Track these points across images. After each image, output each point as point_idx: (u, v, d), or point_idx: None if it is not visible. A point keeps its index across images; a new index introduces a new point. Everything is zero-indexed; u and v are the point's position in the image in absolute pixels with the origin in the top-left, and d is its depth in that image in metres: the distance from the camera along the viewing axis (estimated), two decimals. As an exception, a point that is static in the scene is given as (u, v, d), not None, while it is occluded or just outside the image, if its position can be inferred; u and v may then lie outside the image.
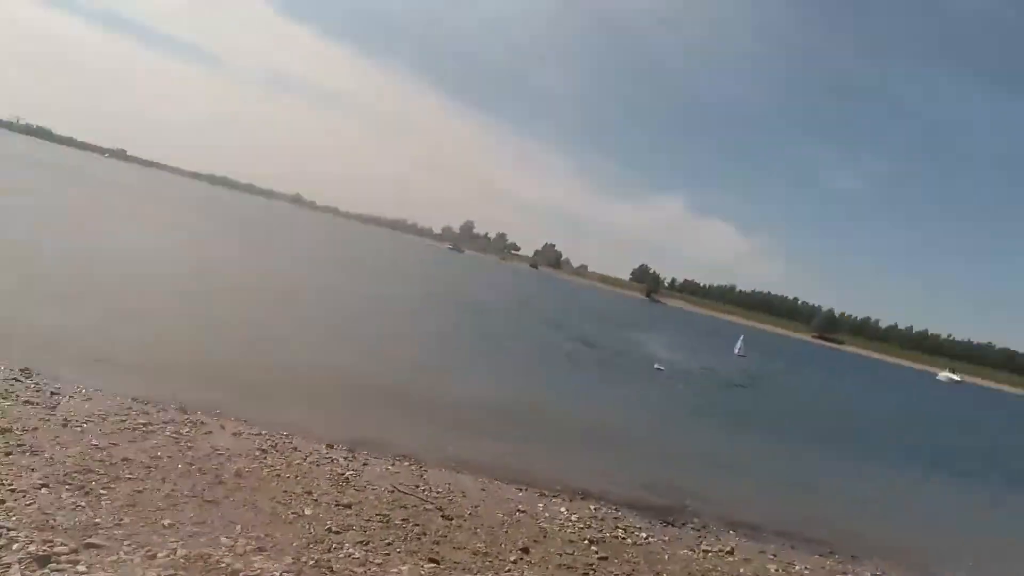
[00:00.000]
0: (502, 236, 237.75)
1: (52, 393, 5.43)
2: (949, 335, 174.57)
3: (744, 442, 11.70)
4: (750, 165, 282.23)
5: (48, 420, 4.79)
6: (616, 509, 6.08)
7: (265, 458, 5.25)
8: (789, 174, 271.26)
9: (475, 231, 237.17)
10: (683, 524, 6.14)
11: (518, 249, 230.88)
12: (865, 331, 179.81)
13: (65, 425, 4.78)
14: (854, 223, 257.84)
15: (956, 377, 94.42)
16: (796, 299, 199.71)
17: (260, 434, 5.82)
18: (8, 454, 4.05)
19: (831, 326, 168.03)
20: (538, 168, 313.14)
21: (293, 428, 6.30)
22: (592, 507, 5.96)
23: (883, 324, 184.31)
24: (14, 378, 5.56)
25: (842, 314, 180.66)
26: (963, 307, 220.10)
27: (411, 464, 6.06)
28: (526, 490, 6.09)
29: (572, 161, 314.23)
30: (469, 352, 14.39)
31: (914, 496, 10.71)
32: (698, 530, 6.06)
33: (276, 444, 5.67)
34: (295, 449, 5.67)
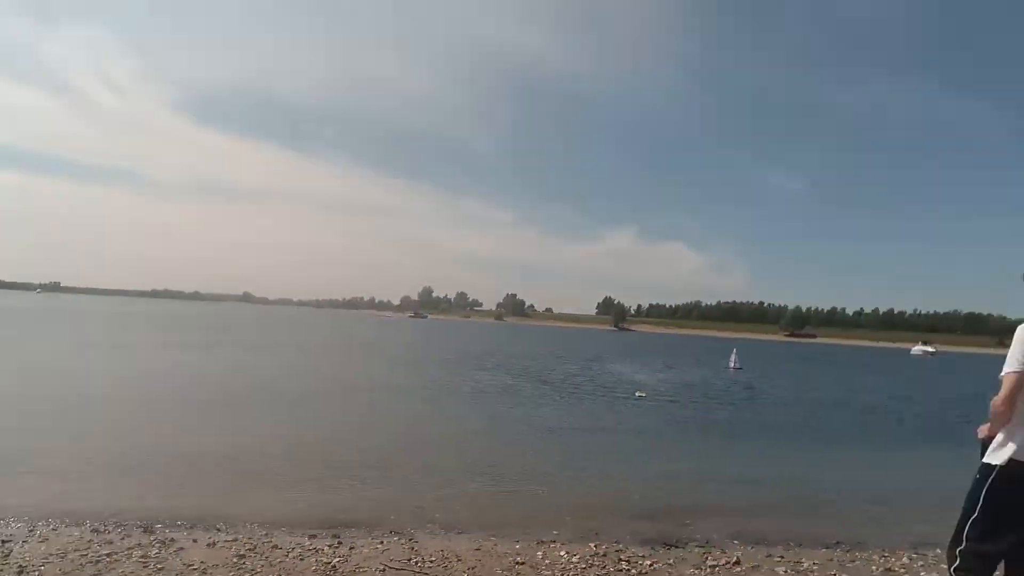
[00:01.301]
0: (462, 295, 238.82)
1: (3, 541, 5.12)
2: (915, 310, 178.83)
3: (732, 451, 11.68)
4: (687, 184, 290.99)
5: (2, 571, 4.50)
6: (617, 543, 5.92)
7: (244, 563, 4.98)
8: (728, 185, 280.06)
9: (434, 295, 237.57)
10: (686, 544, 6.01)
11: (480, 305, 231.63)
12: (834, 321, 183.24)
13: (21, 574, 4.49)
14: (799, 221, 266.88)
15: (930, 349, 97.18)
16: (762, 303, 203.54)
17: (236, 539, 5.54)
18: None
19: (800, 322, 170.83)
20: (487, 225, 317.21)
21: (271, 524, 6.05)
22: (593, 546, 5.79)
23: (849, 311, 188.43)
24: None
25: (809, 309, 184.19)
26: (922, 282, 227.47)
27: (400, 538, 5.85)
28: (522, 541, 5.91)
29: (516, 212, 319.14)
30: (443, 412, 14.12)
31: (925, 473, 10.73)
32: (703, 547, 5.94)
33: (255, 546, 5.39)
34: (275, 547, 5.40)
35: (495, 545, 5.77)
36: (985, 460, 2.94)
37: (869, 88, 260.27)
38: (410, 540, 5.81)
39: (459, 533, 6.14)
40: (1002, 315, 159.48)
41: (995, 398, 2.85)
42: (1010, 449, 2.83)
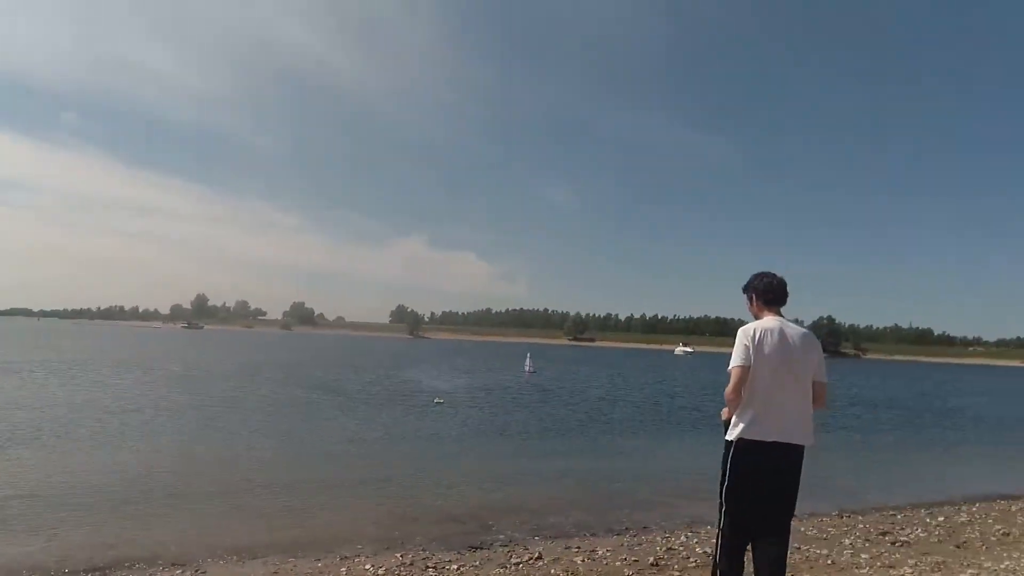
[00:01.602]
0: (243, 303, 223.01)
1: None
2: (675, 315, 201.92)
3: (529, 450, 12.20)
4: (474, 195, 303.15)
5: None
6: (423, 550, 5.85)
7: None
8: (511, 198, 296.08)
9: (211, 303, 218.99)
10: (491, 545, 6.12)
11: (264, 314, 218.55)
12: (609, 326, 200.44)
13: None
14: (574, 234, 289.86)
15: (689, 349, 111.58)
16: (546, 309, 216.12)
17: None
18: None
19: (581, 327, 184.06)
20: (269, 229, 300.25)
21: (19, 573, 5.10)
22: (399, 556, 5.66)
23: (622, 316, 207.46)
24: None
25: (588, 315, 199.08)
26: (680, 290, 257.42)
27: (184, 570, 5.24)
28: (324, 559, 5.61)
29: (301, 216, 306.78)
30: (220, 429, 13.04)
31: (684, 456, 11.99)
32: (506, 546, 6.08)
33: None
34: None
35: (294, 566, 5.41)
36: (726, 438, 3.61)
37: (629, 117, 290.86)
38: (196, 571, 5.24)
39: (253, 558, 5.66)
40: (742, 319, 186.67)
41: (727, 388, 3.53)
42: (740, 428, 3.50)
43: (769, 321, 3.59)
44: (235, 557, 5.64)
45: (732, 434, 3.56)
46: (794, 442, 3.49)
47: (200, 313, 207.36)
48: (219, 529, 6.47)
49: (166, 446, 10.90)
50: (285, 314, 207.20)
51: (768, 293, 3.73)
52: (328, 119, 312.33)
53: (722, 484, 3.61)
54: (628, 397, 25.03)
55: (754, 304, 3.79)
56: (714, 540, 3.85)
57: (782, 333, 3.51)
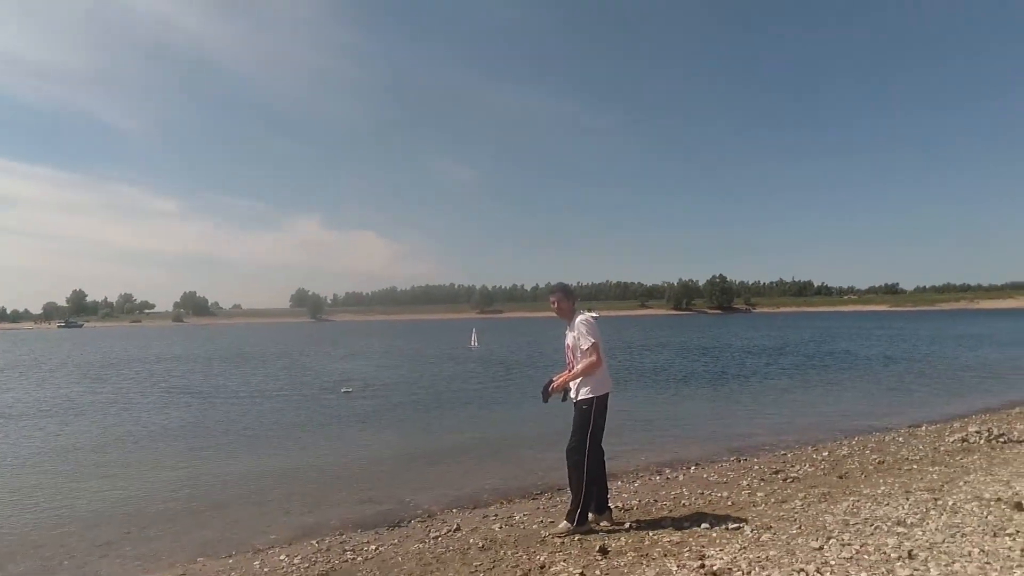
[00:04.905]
0: (127, 297, 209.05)
1: None
2: (578, 282, 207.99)
3: (452, 422, 12.20)
4: (368, 172, 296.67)
5: None
6: (340, 534, 5.77)
7: None
8: (406, 175, 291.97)
9: (89, 299, 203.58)
10: (409, 521, 6.11)
11: (153, 307, 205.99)
12: (515, 296, 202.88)
13: None
14: (473, 207, 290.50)
15: (594, 314, 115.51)
16: (452, 284, 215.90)
17: None
18: None
19: (488, 300, 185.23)
20: (145, 216, 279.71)
21: None
22: (315, 542, 5.56)
23: (528, 287, 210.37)
24: None
25: (494, 287, 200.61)
26: (582, 256, 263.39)
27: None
28: (236, 554, 5.42)
29: (181, 201, 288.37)
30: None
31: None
32: (424, 520, 6.09)
33: None
34: None
35: (203, 566, 5.22)
36: (584, 396, 4.98)
37: (513, 91, 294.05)
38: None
39: (157, 560, 5.39)
40: (641, 283, 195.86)
41: (593, 359, 4.93)
42: (599, 387, 5.01)
43: (586, 313, 5.24)
44: (139, 563, 5.36)
45: (595, 392, 4.97)
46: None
47: (78, 310, 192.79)
48: (118, 536, 6.09)
49: (54, 450, 10.13)
50: (176, 305, 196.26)
51: (577, 297, 5.44)
52: (196, 95, 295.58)
53: (586, 432, 4.92)
54: (540, 361, 25.60)
55: (570, 303, 5.32)
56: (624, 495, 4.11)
57: (593, 319, 5.21)
